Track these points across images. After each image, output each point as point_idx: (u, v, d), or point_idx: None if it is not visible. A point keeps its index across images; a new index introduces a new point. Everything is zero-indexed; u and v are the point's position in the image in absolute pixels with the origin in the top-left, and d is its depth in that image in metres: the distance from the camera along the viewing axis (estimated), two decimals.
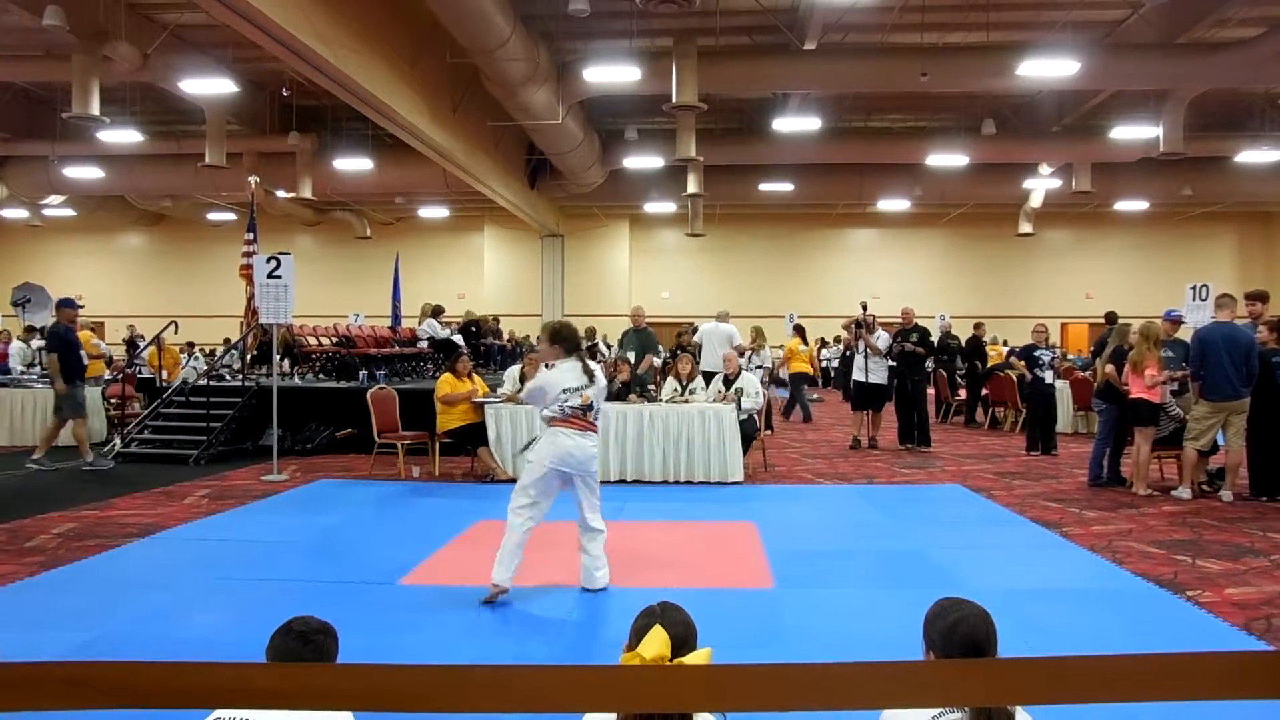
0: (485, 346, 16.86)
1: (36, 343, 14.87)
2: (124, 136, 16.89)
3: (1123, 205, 24.09)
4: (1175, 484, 8.59)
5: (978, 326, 15.32)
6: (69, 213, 25.19)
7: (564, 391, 5.14)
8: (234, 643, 4.27)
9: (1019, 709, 1.99)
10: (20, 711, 0.72)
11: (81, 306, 10.61)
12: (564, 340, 5.29)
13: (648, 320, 12.60)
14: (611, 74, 13.88)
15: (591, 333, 19.73)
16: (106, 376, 13.63)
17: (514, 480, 9.03)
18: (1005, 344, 20.69)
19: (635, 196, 23.51)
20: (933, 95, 17.06)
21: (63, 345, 9.94)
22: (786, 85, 15.59)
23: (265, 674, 0.81)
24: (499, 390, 10.13)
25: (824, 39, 13.31)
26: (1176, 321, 9.52)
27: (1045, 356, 11.37)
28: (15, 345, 15.14)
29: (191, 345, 19.89)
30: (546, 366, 5.42)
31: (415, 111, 13.29)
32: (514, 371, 10.35)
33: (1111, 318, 12.12)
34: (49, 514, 7.46)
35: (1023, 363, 11.81)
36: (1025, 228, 24.96)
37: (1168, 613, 4.95)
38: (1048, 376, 11.33)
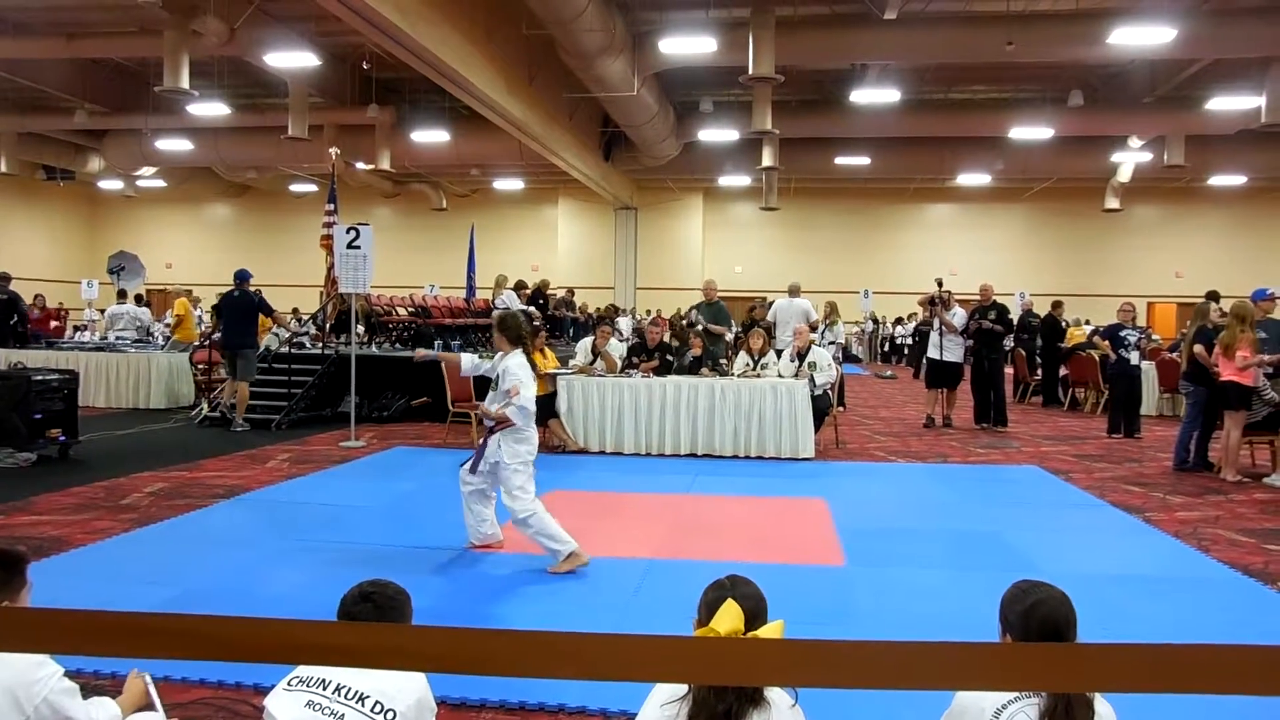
0: (554, 316, 16.93)
1: (121, 306, 15.45)
2: (212, 110, 17.38)
3: (1218, 180, 23.08)
4: (1267, 470, 8.27)
5: (1056, 305, 14.87)
6: (160, 184, 26.05)
7: None
8: (311, 601, 4.41)
9: (1097, 696, 1.94)
10: (113, 658, 0.75)
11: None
12: (508, 330, 5.33)
13: (720, 294, 12.55)
14: (688, 45, 13.76)
15: (612, 311, 19.59)
16: (195, 343, 14.11)
17: (584, 451, 9.19)
18: (1088, 323, 20.08)
19: (709, 169, 23.35)
20: (1017, 65, 16.51)
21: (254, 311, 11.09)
22: (866, 56, 15.26)
23: (345, 633, 0.83)
24: (571, 362, 10.21)
25: (905, 8, 12.97)
26: (1270, 300, 9.10)
27: (1131, 337, 11.00)
28: (126, 309, 15.67)
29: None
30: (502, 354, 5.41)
31: (491, 83, 13.37)
32: (586, 344, 10.41)
33: (1213, 296, 11.59)
34: (142, 473, 7.78)
35: (1106, 342, 11.45)
36: (1112, 203, 24.09)
37: (1258, 603, 4.78)
38: (1133, 357, 10.97)
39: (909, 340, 24.37)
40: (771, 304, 13.29)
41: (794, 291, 12.96)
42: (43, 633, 0.81)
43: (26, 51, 15.63)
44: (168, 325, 14.50)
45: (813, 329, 12.14)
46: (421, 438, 10.29)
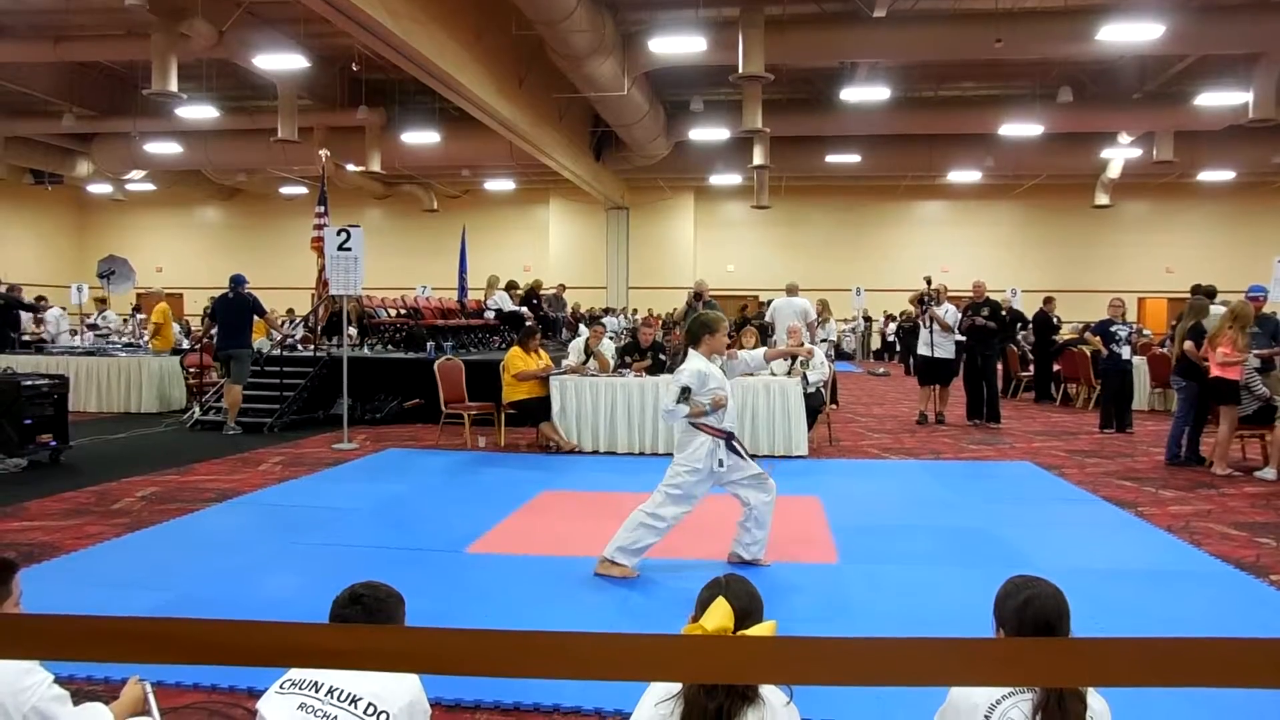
0: (545, 316, 16.88)
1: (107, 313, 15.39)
2: (201, 112, 17.32)
3: (1207, 175, 23.16)
4: (1258, 464, 8.30)
5: (1047, 301, 14.90)
6: (149, 187, 25.96)
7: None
8: (305, 604, 4.40)
9: (1090, 690, 1.95)
10: (105, 663, 0.74)
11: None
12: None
13: (712, 293, 12.56)
14: (677, 44, 13.76)
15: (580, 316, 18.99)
16: (184, 346, 14.09)
17: (577, 451, 9.18)
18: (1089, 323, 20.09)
19: (700, 169, 23.36)
20: (1007, 62, 16.56)
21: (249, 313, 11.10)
22: (855, 54, 15.28)
23: (337, 635, 0.83)
24: (564, 363, 10.20)
25: (894, 6, 12.98)
26: (1256, 299, 9.15)
27: (1122, 332, 11.04)
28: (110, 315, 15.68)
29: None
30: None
31: (481, 84, 13.35)
32: (579, 344, 10.41)
33: (1206, 290, 11.62)
34: (134, 477, 7.75)
35: (1098, 338, 11.49)
36: (1102, 199, 24.19)
37: (1249, 596, 4.80)
38: (1124, 352, 11.01)
39: (895, 338, 24.47)
40: (770, 303, 13.29)
41: (792, 291, 12.98)
42: (33, 639, 0.80)
43: (13, 55, 15.55)
44: (141, 326, 14.38)
45: (810, 329, 12.18)
46: (414, 439, 10.27)
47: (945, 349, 11.44)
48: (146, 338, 13.81)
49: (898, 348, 24.44)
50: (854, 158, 21.44)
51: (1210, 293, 10.79)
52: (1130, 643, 0.72)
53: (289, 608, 4.49)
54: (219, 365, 11.50)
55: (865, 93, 16.57)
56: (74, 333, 16.38)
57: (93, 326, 15.22)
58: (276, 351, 12.41)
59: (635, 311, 24.33)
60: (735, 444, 5.09)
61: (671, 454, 5.22)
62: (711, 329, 5.10)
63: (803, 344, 10.08)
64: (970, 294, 11.76)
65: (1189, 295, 11.65)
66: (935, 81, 19.09)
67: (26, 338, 14.75)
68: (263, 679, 2.39)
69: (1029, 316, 15.01)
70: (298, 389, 11.38)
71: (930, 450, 9.65)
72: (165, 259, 28.82)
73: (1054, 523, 6.44)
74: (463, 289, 17.58)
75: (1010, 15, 13.42)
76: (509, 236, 28.03)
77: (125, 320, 16.78)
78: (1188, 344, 8.54)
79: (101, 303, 16.35)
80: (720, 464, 5.01)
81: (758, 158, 19.25)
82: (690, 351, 5.12)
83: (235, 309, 10.94)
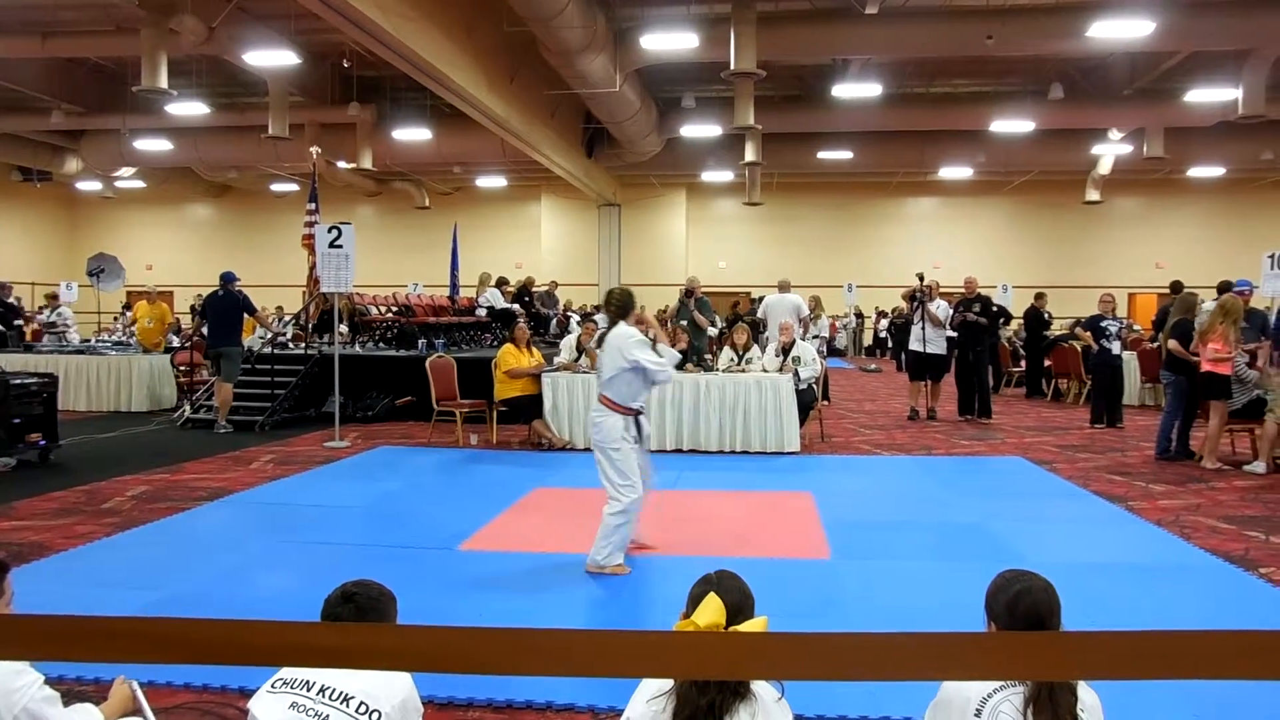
0: (537, 314, 16.86)
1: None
2: (191, 109, 17.22)
3: (1197, 171, 23.24)
4: (1248, 458, 8.34)
5: (1038, 297, 14.93)
6: (139, 184, 25.81)
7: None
8: (296, 603, 4.38)
9: (1081, 684, 1.96)
10: (96, 663, 0.74)
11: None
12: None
13: (704, 289, 12.56)
14: (669, 41, 13.75)
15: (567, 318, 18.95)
16: (175, 344, 14.04)
17: (569, 448, 9.18)
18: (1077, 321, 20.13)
19: (692, 165, 23.33)
20: (998, 59, 16.59)
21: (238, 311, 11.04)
22: (847, 50, 15.28)
23: (329, 634, 0.83)
24: (555, 360, 10.19)
25: (886, 2, 12.99)
26: (1243, 293, 9.20)
27: (1112, 327, 11.08)
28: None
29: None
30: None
31: (473, 81, 13.32)
32: (571, 340, 10.40)
33: (1176, 287, 11.71)
34: (124, 477, 7.72)
35: (1088, 333, 11.53)
36: (1093, 195, 24.23)
37: (1238, 590, 4.83)
38: (1115, 347, 11.05)
39: (887, 334, 24.51)
40: (762, 300, 13.28)
41: (784, 287, 12.98)
42: (24, 640, 0.80)
43: (1, 51, 15.45)
44: (130, 324, 14.25)
45: (804, 325, 12.19)
46: (406, 437, 10.26)
47: (937, 344, 11.47)
48: (135, 336, 13.72)
49: (889, 344, 24.51)
50: (846, 154, 21.45)
51: (1223, 287, 10.80)
52: (1120, 636, 0.72)
53: (280, 606, 4.48)
54: (209, 363, 11.47)
55: (857, 89, 16.58)
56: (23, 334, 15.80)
57: (49, 325, 14.98)
58: (267, 349, 12.36)
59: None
60: (642, 421, 5.23)
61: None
62: (635, 304, 5.35)
63: (794, 340, 10.08)
64: (962, 290, 11.79)
65: (1171, 291, 11.72)
66: (927, 78, 19.11)
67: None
68: (254, 678, 2.38)
69: (1015, 312, 15.06)
70: (289, 387, 11.35)
71: (922, 446, 9.67)
72: (155, 257, 28.70)
73: (1045, 517, 6.47)
74: (454, 286, 17.56)
75: (1001, 12, 13.44)
76: (501, 233, 27.98)
77: (116, 318, 16.69)
78: (1172, 343, 8.57)
79: (53, 299, 16.16)
80: (635, 438, 5.16)
81: (749, 154, 19.24)
82: (621, 323, 5.23)
83: (225, 307, 10.90)
